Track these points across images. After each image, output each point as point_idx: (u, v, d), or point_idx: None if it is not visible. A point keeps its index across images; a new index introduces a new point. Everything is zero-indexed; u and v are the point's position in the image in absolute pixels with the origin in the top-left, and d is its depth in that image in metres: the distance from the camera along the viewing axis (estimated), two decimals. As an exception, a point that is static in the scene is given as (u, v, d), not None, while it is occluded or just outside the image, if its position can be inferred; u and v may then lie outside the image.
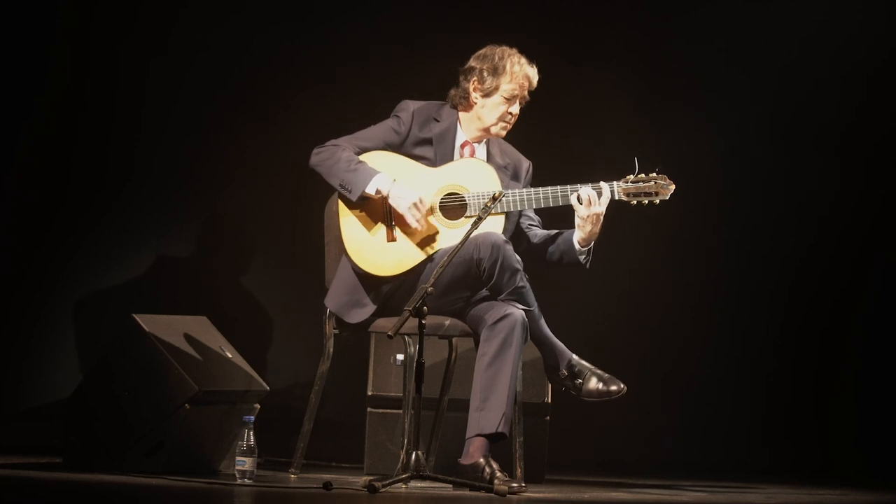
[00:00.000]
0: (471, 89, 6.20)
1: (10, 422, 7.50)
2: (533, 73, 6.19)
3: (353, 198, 6.08)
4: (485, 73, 6.18)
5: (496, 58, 6.18)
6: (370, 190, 6.07)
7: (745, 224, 8.04)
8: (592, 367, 6.02)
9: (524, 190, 6.14)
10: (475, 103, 6.20)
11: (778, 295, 8.03)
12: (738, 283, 8.03)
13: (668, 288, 7.99)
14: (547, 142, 7.57)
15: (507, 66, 6.16)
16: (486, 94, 6.18)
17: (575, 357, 6.04)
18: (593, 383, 6.00)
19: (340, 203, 6.17)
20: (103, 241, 7.75)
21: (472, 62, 6.22)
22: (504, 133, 6.22)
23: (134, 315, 6.23)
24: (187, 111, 7.78)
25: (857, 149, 8.02)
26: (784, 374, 7.99)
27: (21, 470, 6.04)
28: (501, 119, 6.18)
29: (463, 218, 6.13)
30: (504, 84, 6.16)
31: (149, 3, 7.76)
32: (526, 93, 6.19)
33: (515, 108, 6.19)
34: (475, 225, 5.84)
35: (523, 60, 6.18)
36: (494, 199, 5.93)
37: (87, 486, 5.54)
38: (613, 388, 5.98)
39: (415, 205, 6.05)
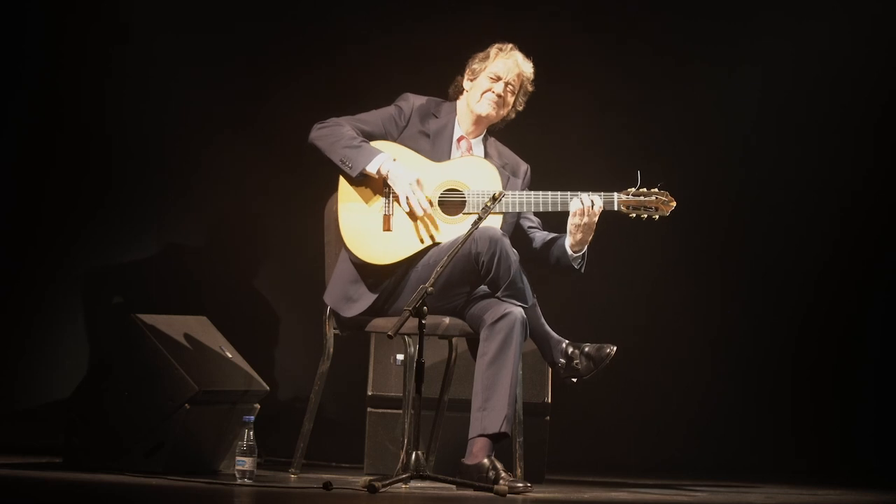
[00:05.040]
0: (463, 80, 6.33)
1: (9, 422, 7.50)
2: (523, 62, 6.27)
3: (354, 174, 6.10)
4: (475, 62, 6.31)
5: (489, 49, 6.30)
6: (371, 168, 6.10)
7: (747, 228, 8.03)
8: (580, 344, 6.04)
9: (523, 193, 6.16)
10: (465, 90, 6.30)
11: (778, 296, 8.02)
12: (738, 287, 8.02)
13: (670, 290, 7.98)
14: (550, 145, 7.59)
15: (494, 53, 6.28)
16: (474, 78, 6.29)
17: (566, 342, 6.06)
18: (586, 358, 6.02)
19: (339, 191, 6.18)
20: (103, 241, 7.75)
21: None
22: (490, 111, 6.24)
23: (134, 315, 6.23)
24: (188, 110, 7.77)
25: (856, 154, 8.03)
26: (784, 375, 7.99)
27: (21, 470, 6.03)
28: (484, 96, 6.24)
29: (461, 214, 6.14)
30: (489, 66, 6.26)
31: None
32: (515, 81, 6.24)
33: (499, 88, 6.23)
34: (475, 225, 5.85)
35: (515, 51, 6.28)
36: (494, 198, 5.93)
37: (87, 486, 5.53)
38: (606, 350, 6.01)
39: (411, 184, 6.07)
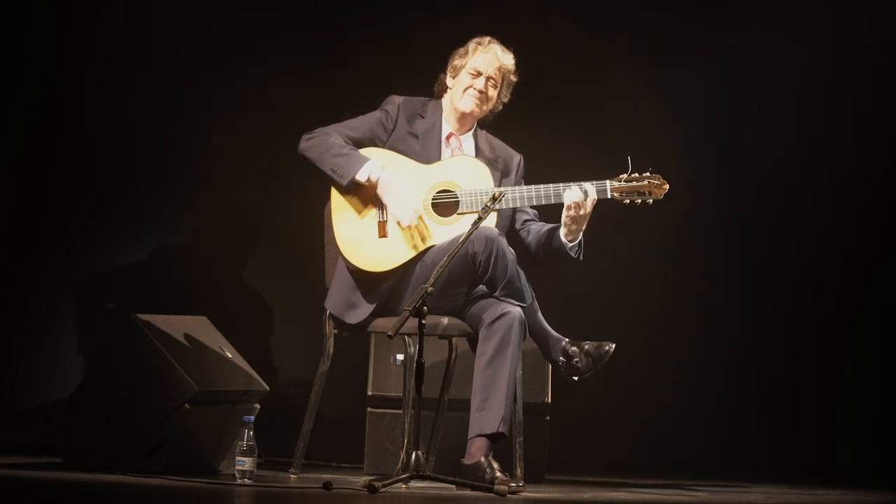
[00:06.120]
0: (446, 78, 6.32)
1: (9, 422, 7.50)
2: (502, 54, 6.26)
3: (344, 182, 6.11)
4: (456, 58, 6.31)
5: (468, 44, 6.30)
6: (361, 176, 6.10)
7: (747, 228, 8.03)
8: (579, 343, 6.04)
9: (516, 188, 6.16)
10: (449, 87, 6.30)
11: (778, 296, 8.02)
12: (738, 287, 8.02)
13: (670, 290, 7.98)
14: (544, 138, 7.58)
15: (472, 48, 6.27)
16: (455, 75, 6.29)
17: (566, 340, 6.06)
18: (586, 356, 6.02)
19: (332, 200, 6.18)
20: (103, 241, 7.75)
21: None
22: (473, 108, 6.24)
23: (134, 315, 6.23)
24: (188, 110, 7.77)
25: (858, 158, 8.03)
26: (784, 375, 7.98)
27: (21, 470, 6.03)
28: (466, 92, 6.23)
29: (455, 215, 6.14)
30: (469, 62, 6.25)
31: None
32: (496, 74, 6.24)
33: (480, 83, 6.22)
34: (475, 225, 5.84)
35: (494, 44, 6.26)
36: (494, 198, 5.93)
37: (87, 486, 5.53)
38: (605, 348, 6.01)
39: (400, 195, 6.07)
